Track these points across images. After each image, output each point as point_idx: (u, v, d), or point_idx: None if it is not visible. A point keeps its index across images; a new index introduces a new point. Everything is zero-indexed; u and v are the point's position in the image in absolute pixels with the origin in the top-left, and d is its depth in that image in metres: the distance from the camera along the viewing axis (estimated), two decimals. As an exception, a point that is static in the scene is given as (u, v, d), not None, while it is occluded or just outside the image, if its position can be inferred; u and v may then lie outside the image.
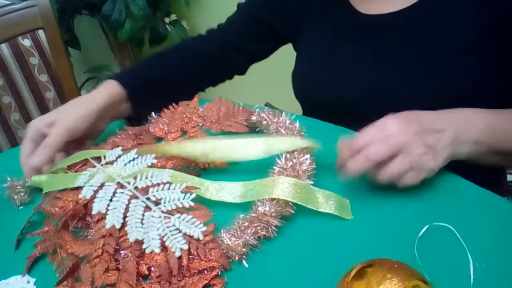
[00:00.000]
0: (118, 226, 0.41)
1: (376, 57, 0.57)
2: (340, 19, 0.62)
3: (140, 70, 0.68)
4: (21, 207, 0.52)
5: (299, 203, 0.43)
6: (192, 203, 0.41)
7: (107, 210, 0.42)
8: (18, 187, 0.52)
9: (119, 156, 0.49)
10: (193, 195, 0.42)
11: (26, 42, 1.00)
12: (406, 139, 0.42)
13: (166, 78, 0.67)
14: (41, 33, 1.00)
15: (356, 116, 0.49)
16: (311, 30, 0.67)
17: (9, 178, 0.52)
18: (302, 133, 0.51)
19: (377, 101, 0.55)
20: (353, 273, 0.32)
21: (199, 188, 0.45)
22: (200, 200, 0.43)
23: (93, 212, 0.42)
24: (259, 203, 0.42)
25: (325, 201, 0.44)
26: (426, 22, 0.54)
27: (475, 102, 0.47)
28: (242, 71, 0.79)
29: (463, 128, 0.45)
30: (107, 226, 0.41)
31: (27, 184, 0.52)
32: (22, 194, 0.52)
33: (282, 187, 0.43)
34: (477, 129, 0.45)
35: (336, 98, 0.60)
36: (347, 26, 0.61)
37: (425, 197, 0.44)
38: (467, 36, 0.52)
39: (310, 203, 0.43)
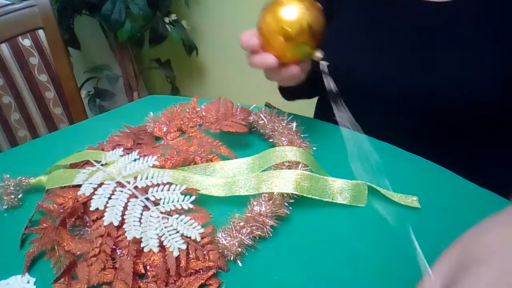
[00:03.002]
0: (116, 223, 0.41)
1: (428, 47, 0.53)
2: (396, 5, 0.57)
3: None
4: (8, 208, 0.51)
5: (314, 197, 0.43)
6: (191, 205, 0.41)
7: (105, 207, 0.42)
8: (11, 188, 0.51)
9: (120, 157, 0.49)
10: (193, 197, 0.42)
11: (26, 42, 1.00)
12: None
13: None
14: (41, 33, 1.00)
15: (390, 107, 0.47)
16: (348, 9, 0.62)
17: (6, 176, 0.52)
18: (299, 133, 0.51)
19: (424, 97, 0.51)
20: None
21: (199, 190, 0.45)
22: (200, 201, 0.43)
23: (91, 209, 0.42)
24: (255, 203, 0.43)
25: (339, 192, 0.44)
26: (483, 14, 0.50)
27: None
28: None
29: None
30: (105, 223, 0.41)
31: (31, 182, 0.52)
32: (12, 196, 0.51)
33: (297, 178, 0.43)
34: None
35: (377, 90, 0.56)
36: (395, 8, 0.56)
37: (424, 197, 0.44)
38: None
39: (325, 196, 0.44)
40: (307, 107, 0.78)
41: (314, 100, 0.79)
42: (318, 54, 0.45)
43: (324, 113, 0.63)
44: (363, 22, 0.60)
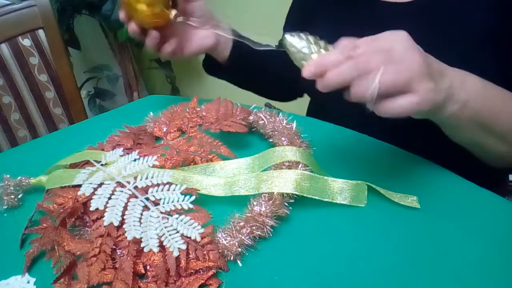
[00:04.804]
0: (116, 223, 0.41)
1: None
2: (358, 7, 0.60)
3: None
4: (8, 208, 0.51)
5: (314, 197, 0.43)
6: (191, 205, 0.41)
7: (105, 207, 0.42)
8: (11, 188, 0.51)
9: (120, 157, 0.49)
10: (193, 197, 0.42)
11: (26, 42, 1.00)
12: (410, 60, 0.37)
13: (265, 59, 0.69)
14: (41, 33, 1.00)
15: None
16: (322, 17, 0.65)
17: (6, 176, 0.52)
18: (299, 133, 0.51)
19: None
20: None
21: (199, 190, 0.45)
22: (200, 200, 0.43)
23: (91, 209, 0.42)
24: (255, 203, 0.43)
25: (339, 192, 0.44)
26: (448, 10, 0.53)
27: None
28: None
29: (458, 84, 0.41)
30: (105, 223, 0.41)
31: (31, 182, 0.52)
32: (12, 196, 0.51)
33: (297, 178, 0.43)
34: (471, 89, 0.42)
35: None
36: (366, 15, 0.59)
37: (425, 197, 0.44)
38: (488, 23, 0.50)
39: (325, 196, 0.44)
40: (307, 107, 0.79)
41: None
42: (173, 13, 0.50)
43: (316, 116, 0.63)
44: (335, 22, 0.63)
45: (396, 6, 0.57)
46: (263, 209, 0.42)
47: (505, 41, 0.50)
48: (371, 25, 0.57)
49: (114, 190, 0.44)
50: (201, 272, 0.38)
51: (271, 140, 0.53)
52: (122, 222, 0.41)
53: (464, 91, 0.42)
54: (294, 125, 0.53)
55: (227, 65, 0.68)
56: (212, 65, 0.70)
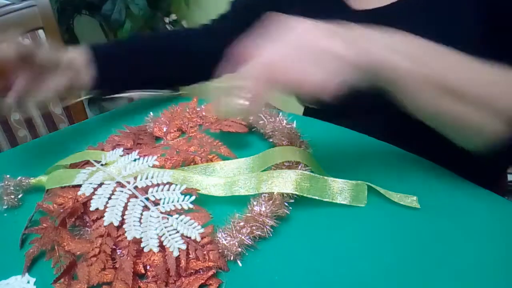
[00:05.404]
0: (116, 223, 0.41)
1: None
2: (330, 15, 0.61)
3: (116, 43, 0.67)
4: (8, 208, 0.51)
5: (314, 197, 0.43)
6: (191, 205, 0.41)
7: (105, 207, 0.42)
8: (11, 188, 0.51)
9: (120, 157, 0.49)
10: (193, 197, 0.42)
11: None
12: None
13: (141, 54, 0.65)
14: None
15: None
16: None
17: (6, 176, 0.52)
18: (299, 133, 0.51)
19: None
20: None
21: (199, 190, 0.45)
22: (200, 200, 0.43)
23: (91, 209, 0.42)
24: (255, 203, 0.43)
25: (339, 192, 0.44)
26: (417, 16, 0.53)
27: None
28: None
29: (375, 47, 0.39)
30: (105, 223, 0.41)
31: (31, 182, 0.52)
32: (12, 196, 0.51)
33: (297, 178, 0.43)
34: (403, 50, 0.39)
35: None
36: (330, 16, 0.60)
37: (425, 197, 0.44)
38: (461, 25, 0.50)
39: (325, 196, 0.44)
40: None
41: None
42: None
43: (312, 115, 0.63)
44: None
45: (363, 13, 0.57)
46: (263, 209, 0.42)
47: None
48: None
49: (114, 190, 0.44)
50: (201, 272, 0.38)
51: (271, 140, 0.53)
52: (122, 222, 0.41)
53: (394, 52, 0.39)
54: (294, 125, 0.53)
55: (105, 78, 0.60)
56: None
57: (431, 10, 0.53)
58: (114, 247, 0.40)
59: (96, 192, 0.44)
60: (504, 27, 0.49)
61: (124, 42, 0.66)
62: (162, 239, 0.39)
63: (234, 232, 0.40)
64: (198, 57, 0.69)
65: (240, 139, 0.56)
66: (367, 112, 0.56)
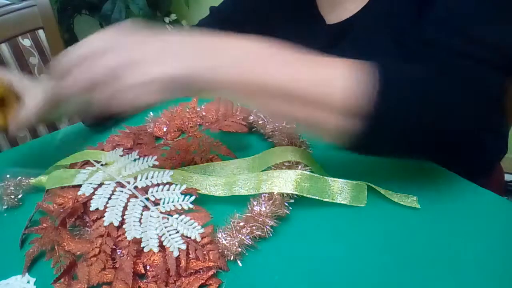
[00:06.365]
0: (116, 224, 0.41)
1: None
2: (310, 31, 0.62)
3: None
4: (8, 208, 0.51)
5: (314, 197, 0.43)
6: (191, 205, 0.41)
7: (105, 207, 0.42)
8: (11, 188, 0.51)
9: (120, 157, 0.49)
10: (193, 197, 0.42)
11: (26, 42, 1.00)
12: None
13: None
14: (41, 33, 1.00)
15: None
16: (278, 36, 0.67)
17: (6, 176, 0.52)
18: (299, 134, 0.51)
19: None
20: None
21: (199, 190, 0.45)
22: (200, 200, 0.43)
23: (91, 209, 0.42)
24: (255, 203, 0.43)
25: (339, 192, 0.44)
26: (376, 20, 0.54)
27: None
28: None
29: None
30: (105, 224, 0.41)
31: (31, 182, 0.52)
32: (12, 196, 0.51)
33: (297, 178, 0.43)
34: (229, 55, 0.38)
35: None
36: (316, 39, 0.60)
37: (424, 197, 0.44)
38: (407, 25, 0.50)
39: (325, 196, 0.44)
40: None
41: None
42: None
43: None
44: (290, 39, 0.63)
45: (333, 26, 0.59)
46: (263, 209, 0.42)
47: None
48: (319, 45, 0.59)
49: (114, 190, 0.44)
50: (201, 272, 0.38)
51: (271, 140, 0.53)
52: (122, 222, 0.41)
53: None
54: (294, 125, 0.53)
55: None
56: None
57: (393, 16, 0.53)
58: (114, 247, 0.40)
59: (96, 192, 0.44)
60: None
61: None
62: (162, 239, 0.39)
63: (234, 232, 0.40)
64: None
65: (240, 139, 0.56)
66: None
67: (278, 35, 0.66)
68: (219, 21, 0.73)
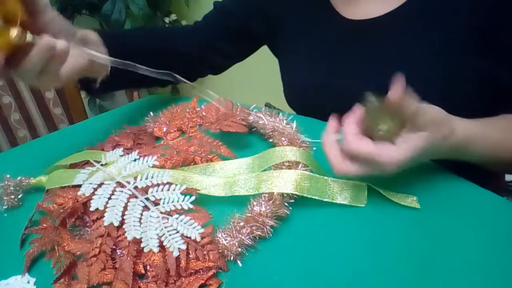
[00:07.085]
0: (116, 224, 0.41)
1: (375, 60, 0.57)
2: (326, 25, 0.62)
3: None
4: (8, 208, 0.51)
5: (314, 197, 0.43)
6: (191, 205, 0.41)
7: (105, 207, 0.42)
8: (11, 188, 0.51)
9: (120, 157, 0.49)
10: (193, 197, 0.42)
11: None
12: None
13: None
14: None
15: None
16: (292, 35, 0.66)
17: (6, 176, 0.52)
18: (299, 133, 0.51)
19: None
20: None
21: (199, 190, 0.45)
22: (200, 200, 0.43)
23: (91, 209, 0.42)
24: (255, 203, 0.43)
25: (339, 192, 0.44)
26: (411, 25, 0.54)
27: (456, 106, 0.45)
28: (218, 71, 0.78)
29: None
30: (105, 224, 0.41)
31: (31, 182, 0.52)
32: (12, 196, 0.51)
33: (297, 178, 0.43)
34: (465, 135, 0.44)
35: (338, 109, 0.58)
36: (335, 33, 0.61)
37: (425, 197, 0.44)
38: (451, 38, 0.51)
39: (325, 196, 0.44)
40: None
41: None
42: (14, 33, 0.42)
43: None
44: (303, 37, 0.65)
45: (358, 23, 0.58)
46: (263, 209, 0.42)
47: (491, 42, 0.50)
48: (336, 43, 0.60)
49: (114, 190, 0.44)
50: (201, 272, 0.38)
51: (271, 140, 0.53)
52: (122, 222, 0.41)
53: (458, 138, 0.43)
54: (294, 125, 0.53)
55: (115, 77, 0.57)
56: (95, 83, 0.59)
57: (421, 19, 0.54)
58: (114, 247, 0.40)
59: (96, 192, 0.44)
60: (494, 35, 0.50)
61: (114, 37, 0.64)
62: (162, 239, 0.39)
63: (234, 232, 0.40)
64: (179, 56, 0.69)
65: (240, 139, 0.56)
66: None
67: (286, 27, 0.66)
68: (223, 16, 0.72)
